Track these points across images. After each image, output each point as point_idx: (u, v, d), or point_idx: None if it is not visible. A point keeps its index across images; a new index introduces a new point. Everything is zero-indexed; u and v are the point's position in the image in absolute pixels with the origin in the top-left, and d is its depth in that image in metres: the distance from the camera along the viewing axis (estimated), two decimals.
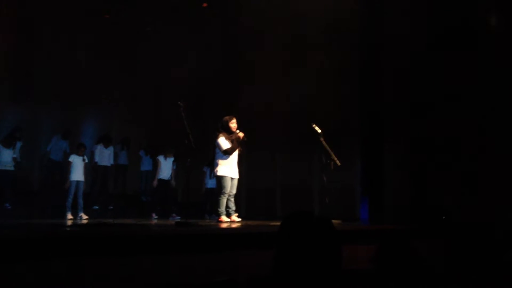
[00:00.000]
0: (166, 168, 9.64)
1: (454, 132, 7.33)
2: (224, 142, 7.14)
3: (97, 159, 10.40)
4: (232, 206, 7.19)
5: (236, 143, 7.22)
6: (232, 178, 7.18)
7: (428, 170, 7.72)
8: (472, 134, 7.19)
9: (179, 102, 6.50)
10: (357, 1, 8.17)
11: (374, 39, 7.95)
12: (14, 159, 9.29)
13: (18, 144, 9.78)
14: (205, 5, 11.26)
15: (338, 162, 7.21)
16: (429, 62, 7.72)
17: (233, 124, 7.28)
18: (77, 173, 8.72)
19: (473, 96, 7.21)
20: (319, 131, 7.42)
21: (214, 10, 11.17)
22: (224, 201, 7.09)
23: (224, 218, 7.03)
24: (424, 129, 7.77)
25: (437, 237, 4.80)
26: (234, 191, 7.25)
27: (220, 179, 7.16)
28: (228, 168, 7.14)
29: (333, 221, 5.47)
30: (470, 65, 7.21)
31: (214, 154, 7.33)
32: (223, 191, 7.09)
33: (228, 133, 7.21)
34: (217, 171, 7.17)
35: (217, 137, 7.20)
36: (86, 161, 9.00)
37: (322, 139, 7.38)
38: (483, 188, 6.84)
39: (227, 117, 7.33)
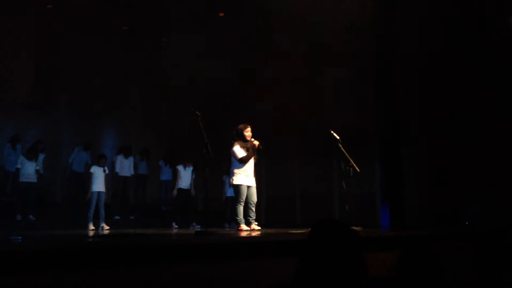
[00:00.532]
0: (185, 177, 9.70)
1: (477, 136, 7.23)
2: (239, 151, 7.14)
3: (117, 169, 10.52)
4: (253, 215, 7.17)
5: (252, 151, 7.21)
6: (248, 187, 7.17)
7: (449, 175, 7.62)
8: (494, 136, 7.08)
9: (196, 112, 6.54)
10: (374, 7, 8.14)
11: (391, 47, 7.91)
12: (37, 171, 9.44)
13: (41, 157, 9.95)
14: (221, 14, 11.35)
15: (357, 168, 7.16)
16: (447, 66, 7.65)
17: (248, 132, 7.26)
18: (99, 184, 8.83)
19: (492, 99, 7.11)
20: (338, 137, 7.38)
21: (230, 19, 11.26)
22: (241, 209, 7.09)
23: (243, 226, 7.02)
24: (444, 133, 7.68)
25: (460, 243, 4.73)
26: (254, 199, 7.21)
27: (236, 188, 7.16)
28: (244, 177, 7.14)
29: (354, 228, 5.43)
30: (488, 68, 7.12)
31: (229, 164, 7.33)
32: (239, 199, 7.08)
33: (243, 141, 7.21)
34: (233, 180, 7.17)
35: (232, 145, 7.19)
36: (107, 172, 9.12)
37: (340, 145, 7.34)
38: (505, 192, 6.71)
39: (241, 126, 7.33)
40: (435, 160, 7.86)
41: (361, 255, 1.63)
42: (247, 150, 7.16)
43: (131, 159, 10.75)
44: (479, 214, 6.84)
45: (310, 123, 9.82)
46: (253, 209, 7.19)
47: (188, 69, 11.69)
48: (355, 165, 7.16)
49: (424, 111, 7.87)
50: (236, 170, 7.14)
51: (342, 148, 7.30)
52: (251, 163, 7.22)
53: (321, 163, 9.79)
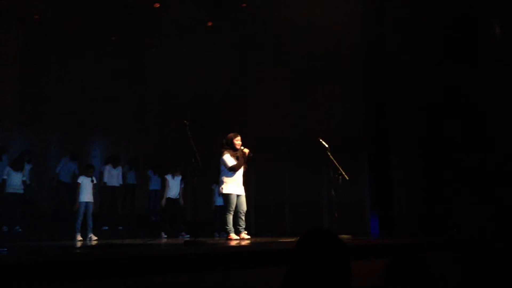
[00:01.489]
0: (174, 187, 9.66)
1: (465, 144, 7.29)
2: (229, 159, 7.14)
3: (106, 179, 10.44)
4: (242, 223, 7.15)
5: (242, 159, 7.21)
6: (238, 195, 7.16)
7: (439, 182, 7.67)
8: (479, 145, 7.15)
9: (185, 121, 6.53)
10: (362, 15, 8.23)
11: (380, 55, 8.00)
12: (23, 182, 9.33)
13: (27, 167, 9.84)
14: (210, 23, 11.39)
15: (346, 176, 7.17)
16: (437, 73, 7.73)
17: (238, 141, 7.27)
18: (86, 194, 8.75)
19: (483, 106, 7.19)
20: (326, 145, 7.41)
21: (219, 29, 11.30)
22: (230, 218, 7.06)
23: (233, 235, 7.00)
24: (432, 141, 7.74)
25: (448, 250, 4.75)
26: (244, 208, 7.21)
27: (225, 197, 7.14)
28: (234, 186, 7.13)
29: (343, 236, 5.43)
30: (476, 75, 7.20)
31: (218, 172, 7.32)
32: (229, 208, 7.06)
33: (233, 150, 7.21)
34: (222, 189, 7.15)
35: (222, 154, 7.19)
36: (95, 182, 9.04)
37: (329, 153, 7.37)
38: (494, 198, 6.77)
39: (231, 134, 7.34)
40: (424, 168, 7.91)
41: (347, 263, 1.64)
42: (237, 158, 7.16)
43: (119, 169, 10.68)
44: (468, 222, 6.88)
45: (298, 131, 9.85)
46: (243, 218, 7.18)
47: (176, 78, 11.70)
48: (344, 173, 7.18)
49: (413, 118, 7.93)
50: (225, 179, 7.13)
51: (331, 156, 7.32)
52: (240, 172, 7.22)
53: (310, 171, 9.81)
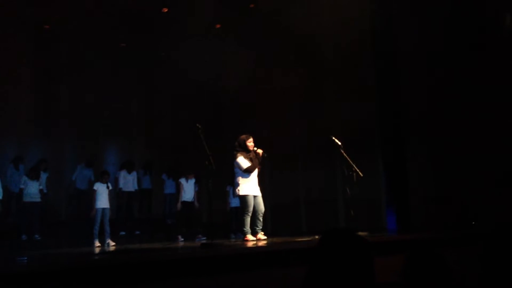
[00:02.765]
0: (188, 190, 9.69)
1: (480, 136, 7.20)
2: (243, 161, 7.14)
3: (121, 185, 10.52)
4: (260, 224, 7.15)
5: (256, 160, 7.22)
6: (255, 196, 7.16)
7: (455, 176, 7.59)
8: (497, 137, 7.06)
9: (197, 124, 6.56)
10: (372, 7, 8.15)
11: (391, 49, 7.94)
12: (40, 190, 9.45)
13: (44, 176, 9.96)
14: (218, 26, 11.41)
15: (360, 173, 7.14)
16: (447, 66, 7.65)
17: (250, 142, 7.27)
18: (103, 201, 8.83)
19: (497, 98, 7.10)
20: (339, 143, 7.38)
21: (227, 31, 11.31)
22: (248, 220, 7.07)
23: (249, 237, 7.00)
24: (449, 135, 7.67)
25: (467, 245, 4.70)
26: (262, 208, 7.19)
27: (242, 198, 7.14)
28: (249, 187, 7.13)
29: (360, 233, 5.41)
30: (489, 66, 7.12)
31: (233, 174, 7.33)
32: (246, 210, 7.06)
33: (246, 151, 7.22)
34: (238, 190, 7.16)
35: (235, 156, 7.19)
36: (111, 188, 9.11)
37: (342, 151, 7.34)
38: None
39: (243, 136, 7.34)
40: (440, 162, 7.84)
41: (370, 262, 1.63)
42: (250, 160, 7.17)
43: (134, 174, 10.75)
44: (486, 215, 6.80)
45: (312, 129, 9.83)
46: (261, 218, 7.17)
47: (188, 82, 11.74)
48: (358, 170, 7.15)
49: (427, 113, 7.86)
50: (241, 181, 7.13)
51: (344, 154, 7.30)
52: (255, 172, 7.23)
53: (324, 169, 9.78)
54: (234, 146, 7.30)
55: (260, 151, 7.27)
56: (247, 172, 7.11)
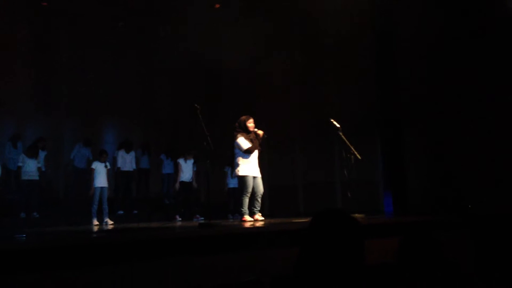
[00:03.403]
0: (187, 170, 9.72)
1: (478, 120, 7.20)
2: (243, 142, 7.14)
3: (119, 164, 10.54)
4: (258, 205, 7.17)
5: (256, 141, 7.22)
6: (254, 177, 7.18)
7: (452, 160, 7.61)
8: (496, 122, 7.06)
9: (195, 105, 6.54)
10: None
11: (391, 33, 7.90)
12: (38, 168, 9.46)
13: (42, 154, 9.96)
14: (217, 6, 11.30)
15: (358, 156, 7.16)
16: (449, 51, 7.60)
17: (251, 123, 7.27)
18: (101, 180, 8.85)
19: (496, 85, 7.07)
20: (338, 125, 7.39)
21: (227, 12, 11.20)
22: (246, 200, 7.10)
23: (247, 217, 7.04)
24: (446, 118, 7.66)
25: (462, 228, 4.74)
26: (261, 189, 7.21)
27: (241, 179, 7.15)
28: (249, 167, 7.14)
29: (357, 215, 5.43)
30: (487, 53, 7.07)
31: (233, 155, 7.33)
32: (245, 191, 7.08)
33: (247, 132, 7.22)
34: (238, 171, 7.17)
35: (235, 137, 7.19)
36: (109, 167, 9.13)
37: (341, 133, 7.35)
38: (508, 177, 6.71)
39: (244, 117, 7.33)
40: (437, 146, 7.85)
41: (361, 243, 1.64)
42: (251, 141, 7.17)
43: (132, 153, 10.76)
44: (482, 199, 6.84)
45: (311, 112, 9.82)
46: (259, 200, 7.19)
47: (187, 62, 11.67)
48: (356, 153, 7.17)
49: (425, 96, 7.84)
50: (240, 161, 7.14)
51: (343, 136, 7.31)
52: (255, 154, 7.23)
53: (323, 152, 9.81)
54: (234, 127, 7.29)
55: (260, 132, 7.27)
56: (247, 152, 7.11)
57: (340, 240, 1.61)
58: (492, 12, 7.17)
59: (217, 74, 11.96)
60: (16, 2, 10.77)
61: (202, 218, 9.24)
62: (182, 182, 9.67)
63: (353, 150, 7.18)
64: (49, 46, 11.71)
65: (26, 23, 11.30)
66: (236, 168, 7.21)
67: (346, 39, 9.05)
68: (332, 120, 7.46)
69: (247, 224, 6.53)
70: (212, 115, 10.39)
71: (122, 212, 10.21)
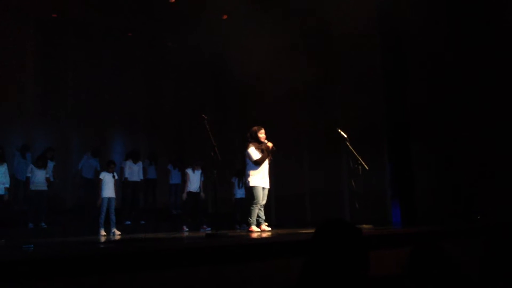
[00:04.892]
0: (194, 180, 9.72)
1: (486, 130, 7.16)
2: (254, 153, 7.14)
3: (127, 175, 10.56)
4: (262, 215, 7.17)
5: (266, 152, 7.21)
6: (263, 188, 7.17)
7: (461, 169, 7.56)
8: (505, 130, 7.01)
9: (203, 115, 6.56)
10: (376, 6, 8.10)
11: (398, 41, 7.89)
12: (47, 179, 9.50)
13: (51, 164, 10.01)
14: (225, 17, 11.36)
15: (366, 166, 7.13)
16: (457, 61, 7.58)
17: (262, 134, 7.27)
18: (108, 190, 8.88)
19: (503, 90, 7.03)
20: (345, 135, 7.37)
21: (234, 22, 11.25)
22: (255, 211, 7.08)
23: (254, 228, 7.02)
24: (454, 128, 7.62)
25: (471, 238, 4.69)
26: (265, 201, 7.22)
27: (252, 190, 7.13)
28: (260, 178, 7.13)
29: (365, 225, 5.38)
30: (493, 61, 7.04)
31: (244, 165, 7.33)
32: (255, 201, 7.06)
33: (258, 143, 7.21)
34: (248, 181, 7.16)
35: (247, 147, 7.19)
36: (116, 177, 9.15)
37: (348, 143, 7.33)
38: None
39: (255, 127, 7.33)
40: (445, 155, 7.81)
41: (365, 254, 1.63)
42: (262, 151, 7.16)
43: (140, 164, 10.79)
44: (491, 209, 6.77)
45: (318, 121, 9.81)
46: (262, 209, 7.19)
47: (194, 72, 11.72)
48: (363, 163, 7.14)
49: (433, 106, 7.81)
50: (251, 172, 7.13)
51: (350, 146, 7.29)
52: (266, 164, 7.23)
53: (330, 162, 9.78)
54: (245, 137, 7.30)
55: (270, 144, 7.26)
56: (257, 164, 7.10)
57: (343, 250, 1.61)
58: (500, 16, 7.16)
59: (224, 83, 12.00)
60: (26, 14, 10.89)
61: (209, 229, 9.22)
62: (190, 193, 9.68)
63: (361, 160, 7.15)
64: (55, 55, 11.79)
65: (34, 34, 11.42)
66: (247, 179, 7.20)
67: (353, 48, 9.06)
68: (339, 129, 7.45)
69: (254, 235, 6.50)
70: (220, 125, 10.41)
71: (129, 222, 10.21)
